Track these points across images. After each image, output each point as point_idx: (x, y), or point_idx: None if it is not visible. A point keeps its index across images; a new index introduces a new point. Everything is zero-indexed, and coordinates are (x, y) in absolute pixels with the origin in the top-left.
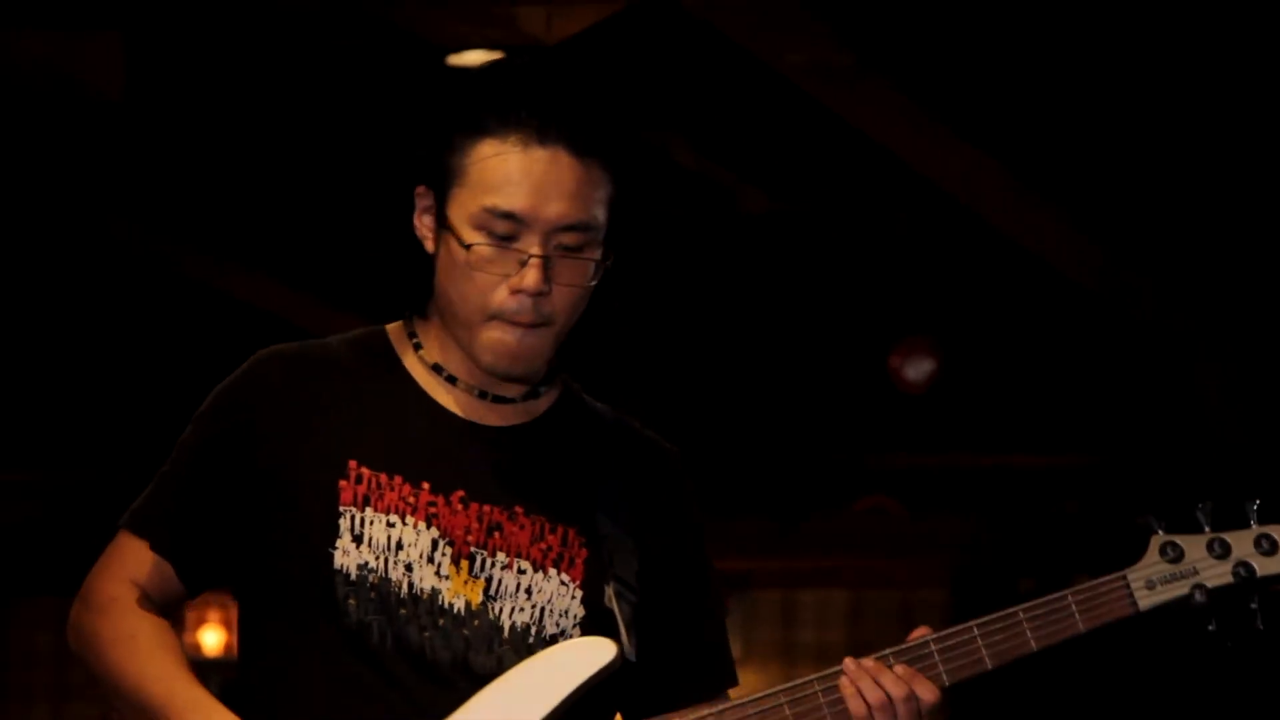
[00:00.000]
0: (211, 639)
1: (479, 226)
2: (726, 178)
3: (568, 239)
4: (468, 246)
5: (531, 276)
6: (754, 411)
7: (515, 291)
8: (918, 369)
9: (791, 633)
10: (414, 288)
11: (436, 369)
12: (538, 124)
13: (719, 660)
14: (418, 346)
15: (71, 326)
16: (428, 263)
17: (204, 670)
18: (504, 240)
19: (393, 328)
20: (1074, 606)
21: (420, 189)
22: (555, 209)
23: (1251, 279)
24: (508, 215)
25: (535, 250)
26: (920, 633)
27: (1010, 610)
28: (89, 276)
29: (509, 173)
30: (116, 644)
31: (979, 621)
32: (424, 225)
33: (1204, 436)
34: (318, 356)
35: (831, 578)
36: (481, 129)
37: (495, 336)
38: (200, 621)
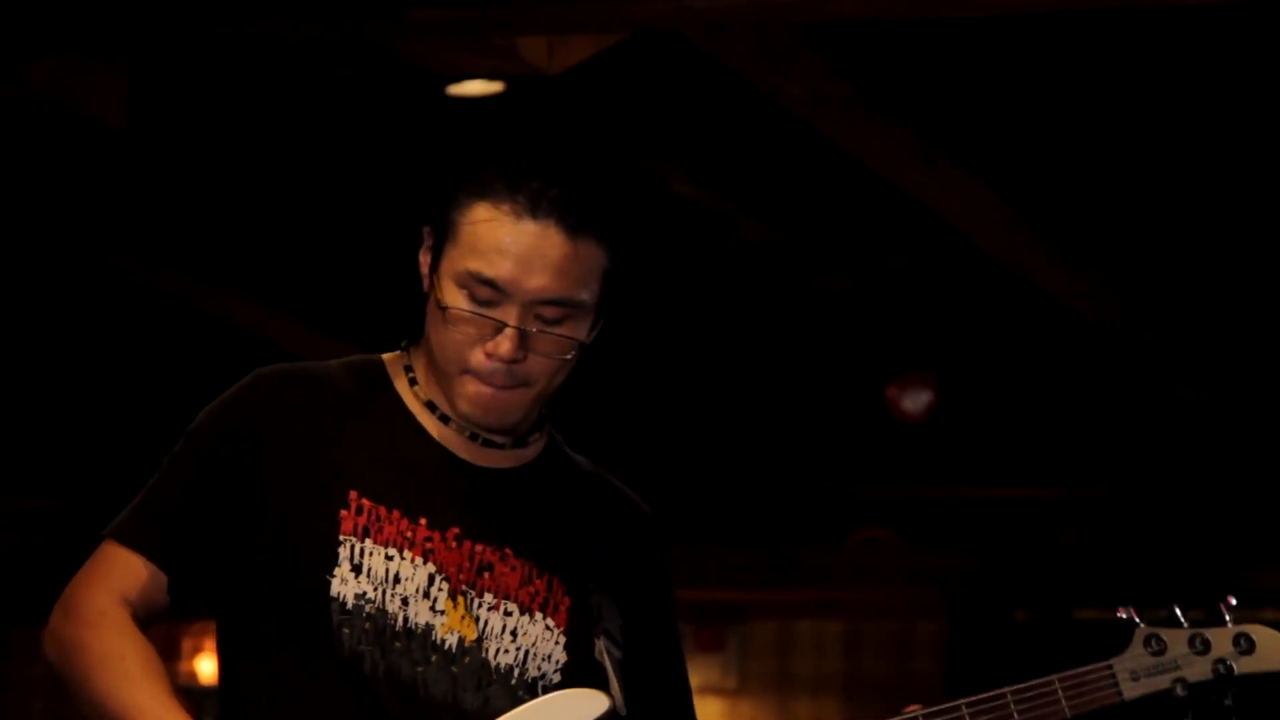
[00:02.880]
0: (208, 667)
1: (461, 286)
2: (725, 207)
3: (548, 312)
4: (444, 308)
5: (505, 346)
6: (749, 441)
7: (489, 355)
8: (915, 400)
9: (788, 664)
10: (412, 318)
11: (430, 406)
12: (533, 196)
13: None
14: (413, 382)
15: (69, 354)
16: (424, 297)
17: (199, 699)
18: (483, 305)
19: (389, 358)
20: (1061, 692)
21: (426, 228)
22: (537, 282)
23: (1254, 307)
24: (489, 282)
25: (511, 321)
26: (911, 710)
27: (999, 691)
28: (84, 302)
29: (497, 241)
30: (104, 662)
31: (968, 700)
32: (424, 263)
33: (1204, 467)
34: (319, 380)
35: (828, 609)
36: (481, 191)
37: (471, 389)
38: (196, 650)
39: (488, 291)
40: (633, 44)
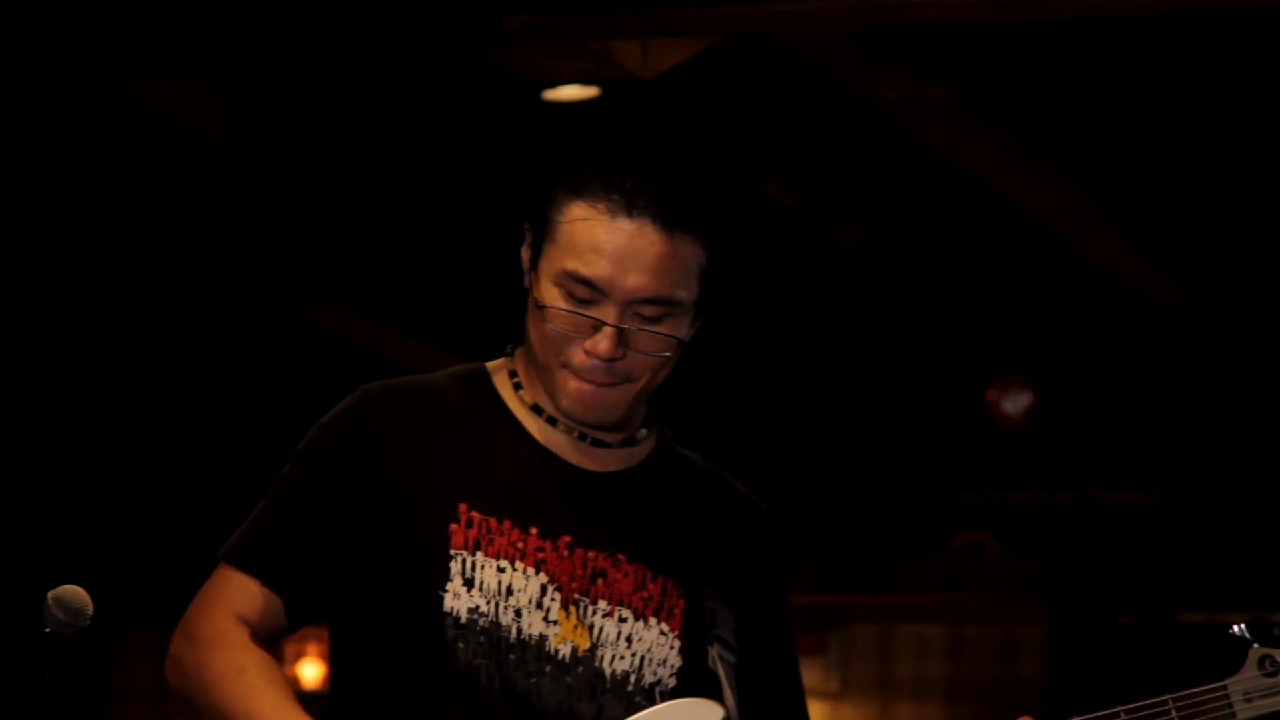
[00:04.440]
0: (310, 672)
1: (559, 285)
2: (821, 211)
3: (646, 310)
4: (542, 307)
5: (603, 345)
6: (849, 447)
7: (588, 353)
8: (1015, 403)
9: (889, 667)
10: (514, 323)
11: (536, 410)
12: (628, 195)
13: (799, 716)
14: (518, 387)
15: (184, 367)
16: (525, 298)
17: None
18: (581, 304)
19: (494, 366)
20: (1174, 712)
21: (526, 225)
22: (634, 281)
23: None
24: (586, 281)
25: (610, 319)
26: None
27: (1112, 710)
28: (179, 312)
29: (593, 240)
30: (226, 679)
31: (1079, 719)
32: (525, 259)
33: None
34: (424, 393)
35: (930, 613)
36: (577, 190)
37: (571, 385)
38: (299, 655)
39: (585, 290)
40: (727, 48)
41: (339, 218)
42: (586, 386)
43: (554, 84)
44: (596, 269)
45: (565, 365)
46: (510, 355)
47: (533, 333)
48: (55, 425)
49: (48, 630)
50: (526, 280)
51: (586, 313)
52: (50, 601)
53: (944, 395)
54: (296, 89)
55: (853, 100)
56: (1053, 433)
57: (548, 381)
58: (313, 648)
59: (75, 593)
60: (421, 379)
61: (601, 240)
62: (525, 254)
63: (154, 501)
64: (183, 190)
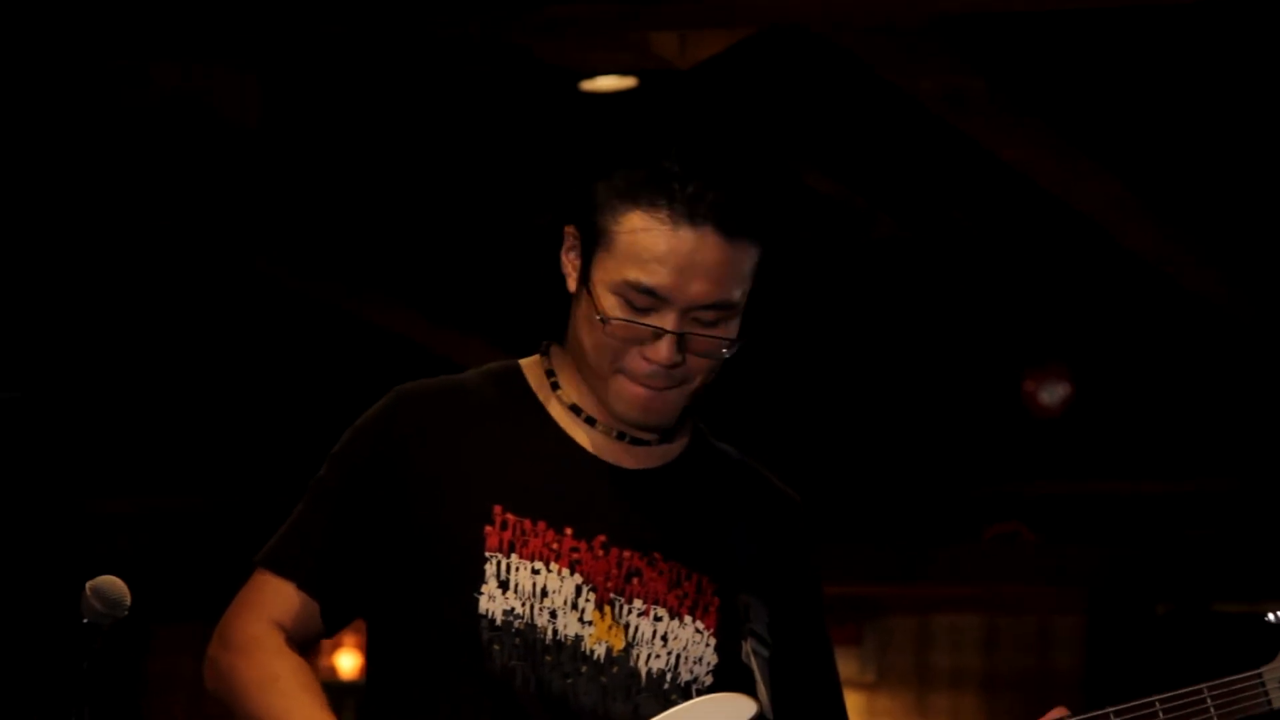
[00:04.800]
0: (347, 663)
1: (617, 294)
2: (859, 203)
3: (705, 315)
4: (605, 321)
5: (664, 352)
6: (886, 437)
7: (647, 360)
8: (1052, 394)
9: (925, 658)
10: (554, 318)
11: (575, 410)
12: (688, 202)
13: (835, 708)
14: (555, 386)
15: (215, 357)
16: (567, 297)
17: (339, 694)
18: (640, 312)
19: (528, 364)
20: (1210, 701)
21: (570, 228)
22: (697, 289)
23: None
24: (648, 291)
25: (670, 326)
26: (1056, 714)
27: (1147, 700)
28: (217, 304)
29: (655, 250)
30: (260, 685)
31: (1115, 709)
32: (569, 263)
33: None
34: (458, 393)
35: (966, 604)
36: (634, 198)
37: (627, 390)
38: (336, 645)
39: (645, 299)
40: (764, 38)
41: (375, 208)
42: (645, 392)
43: (591, 75)
44: (659, 278)
45: (621, 371)
46: (545, 354)
47: (585, 340)
48: (96, 418)
49: (85, 621)
50: (572, 286)
51: (646, 321)
52: (88, 592)
53: (981, 386)
54: (336, 80)
55: (890, 92)
56: (1089, 423)
57: (600, 387)
58: (349, 638)
59: (113, 583)
60: (454, 379)
61: (663, 250)
62: (570, 259)
63: (191, 494)
64: (220, 180)
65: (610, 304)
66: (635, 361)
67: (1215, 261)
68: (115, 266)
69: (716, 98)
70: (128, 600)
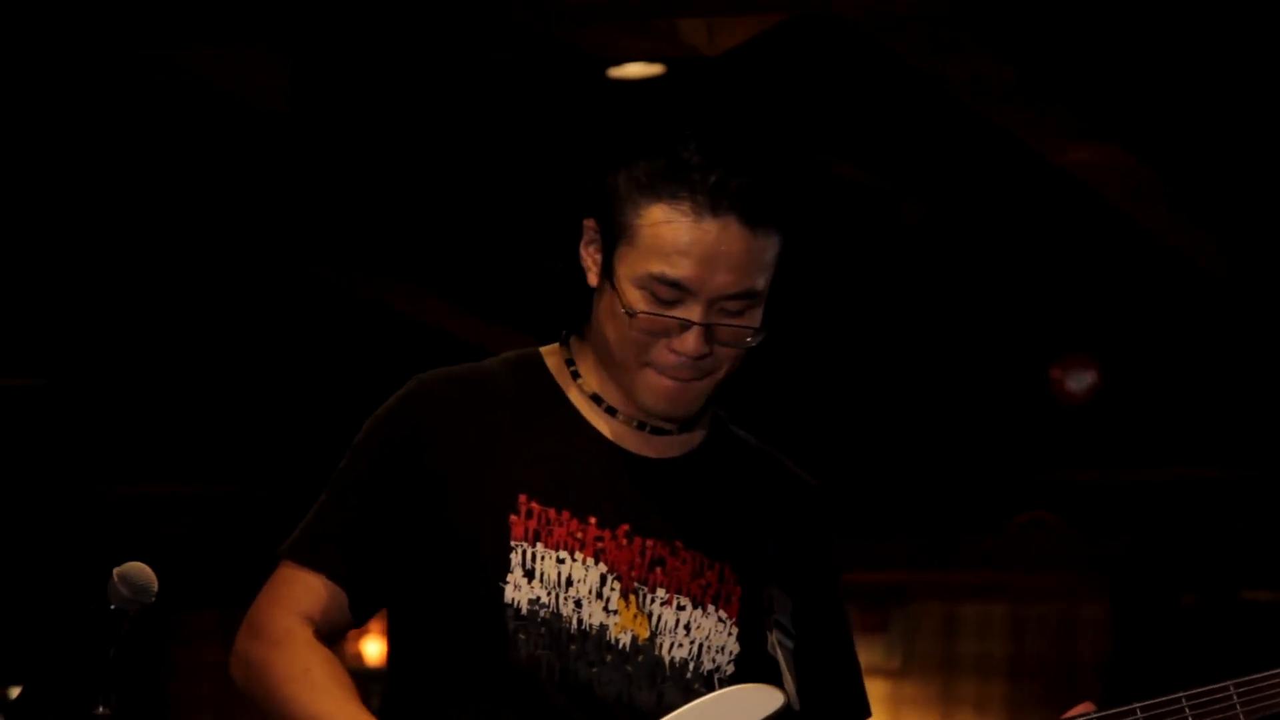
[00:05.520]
0: (373, 649)
1: (643, 288)
2: (887, 189)
3: (731, 305)
4: (632, 314)
5: (692, 344)
6: (913, 425)
7: (672, 349)
8: (1079, 382)
9: (952, 645)
10: (574, 311)
11: (596, 399)
12: (710, 193)
13: (856, 693)
14: (575, 375)
15: (231, 342)
16: (587, 291)
17: (366, 680)
18: (666, 305)
19: (548, 352)
20: (1236, 698)
21: (589, 221)
22: (722, 280)
23: None
24: (673, 284)
25: (697, 318)
26: (1082, 709)
27: (1174, 696)
28: (246, 291)
29: (679, 242)
30: (291, 680)
31: (1143, 705)
32: (589, 256)
33: None
34: (479, 382)
35: (992, 592)
36: (655, 190)
37: (655, 382)
38: (362, 632)
39: (671, 292)
40: (791, 26)
41: (402, 195)
42: (673, 384)
43: (619, 62)
44: (683, 270)
45: (648, 364)
46: (565, 344)
47: (610, 333)
48: (118, 404)
49: (112, 607)
50: (592, 279)
51: (672, 314)
52: (115, 578)
53: (1008, 374)
54: (364, 67)
55: (918, 79)
56: (1116, 412)
57: (625, 380)
58: (375, 624)
59: (140, 570)
60: (475, 367)
61: (687, 242)
62: (590, 253)
63: (218, 480)
64: (250, 168)
65: (635, 297)
66: (662, 354)
67: (1245, 251)
68: (143, 254)
69: (744, 85)
70: (154, 587)
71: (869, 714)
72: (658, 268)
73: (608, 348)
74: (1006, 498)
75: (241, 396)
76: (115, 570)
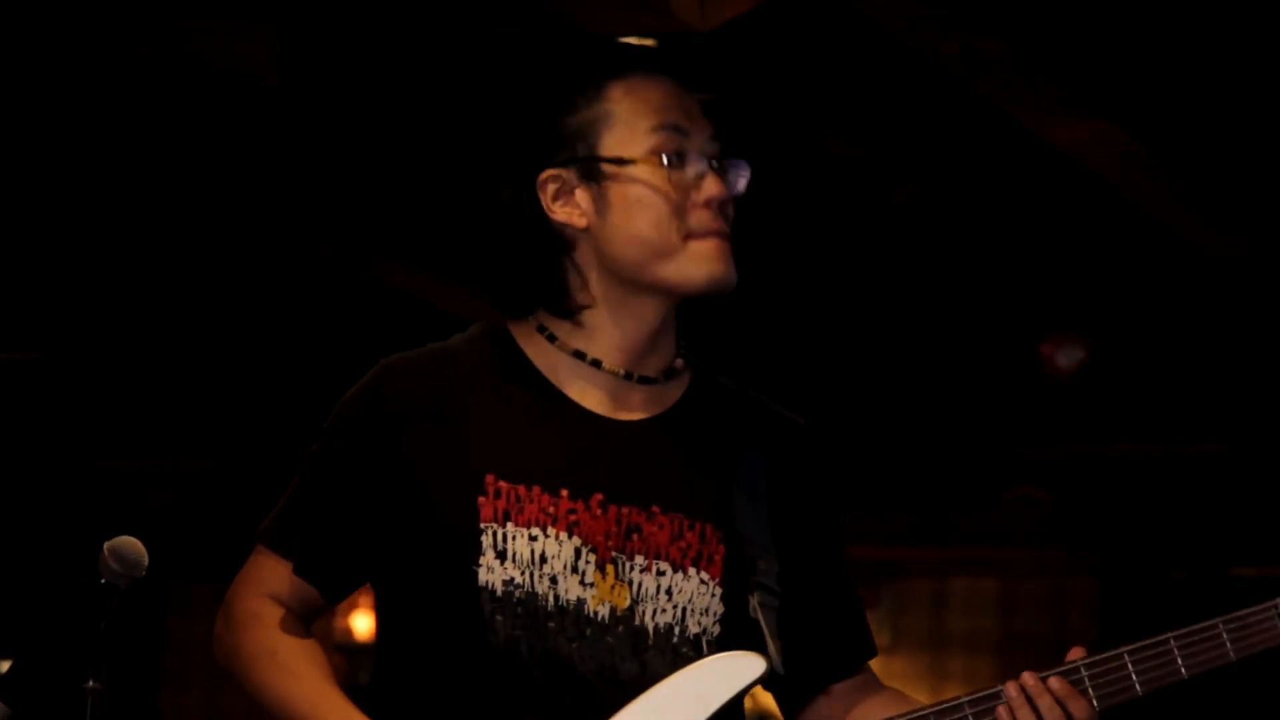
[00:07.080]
0: (363, 624)
1: (655, 151)
2: (878, 167)
3: (712, 150)
4: (669, 161)
5: (713, 186)
6: (903, 400)
7: (704, 204)
8: (1069, 356)
9: (941, 621)
10: (548, 284)
11: (579, 355)
12: (644, 63)
13: (859, 634)
14: (551, 338)
15: (222, 314)
16: (557, 257)
17: (355, 655)
18: (677, 163)
19: (516, 324)
20: (1225, 635)
21: (543, 175)
22: (697, 118)
23: None
24: (674, 127)
25: (703, 166)
26: (1074, 655)
27: (1162, 637)
28: (239, 264)
29: (652, 95)
30: (258, 660)
31: (1130, 648)
32: (563, 207)
33: None
34: (444, 361)
35: (982, 567)
36: (604, 86)
37: (703, 248)
38: (352, 607)
39: (675, 138)
40: (784, 1)
41: (395, 169)
42: (715, 242)
43: (612, 36)
44: (673, 113)
45: (690, 235)
46: (533, 315)
47: (644, 227)
48: (112, 377)
49: (103, 581)
50: (581, 222)
51: (687, 171)
52: (106, 552)
53: (998, 349)
54: (356, 39)
55: (910, 55)
56: (1106, 387)
57: (672, 268)
58: (365, 599)
59: (131, 544)
60: (441, 347)
61: (657, 92)
62: (565, 200)
63: (209, 453)
64: (239, 141)
65: (650, 171)
66: (698, 215)
67: (1236, 226)
68: (134, 228)
69: (736, 60)
70: (145, 561)
71: (875, 653)
72: (656, 119)
73: (646, 247)
74: (996, 474)
75: (235, 370)
76: (106, 544)
